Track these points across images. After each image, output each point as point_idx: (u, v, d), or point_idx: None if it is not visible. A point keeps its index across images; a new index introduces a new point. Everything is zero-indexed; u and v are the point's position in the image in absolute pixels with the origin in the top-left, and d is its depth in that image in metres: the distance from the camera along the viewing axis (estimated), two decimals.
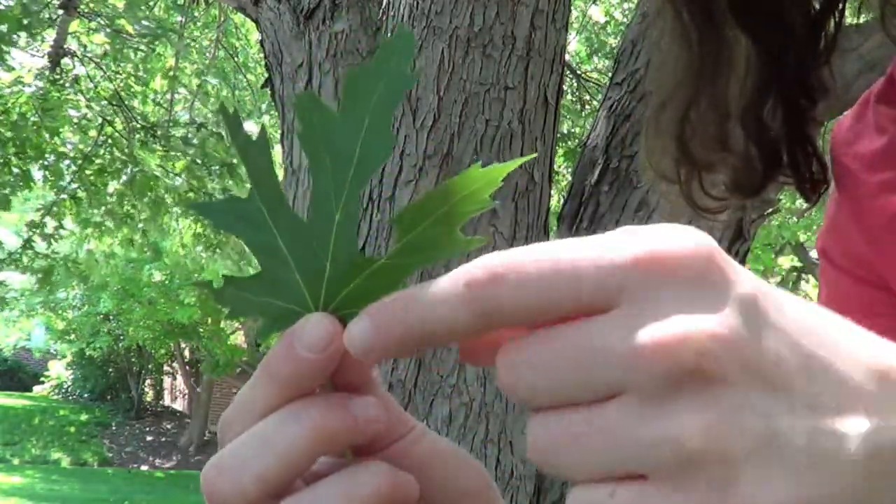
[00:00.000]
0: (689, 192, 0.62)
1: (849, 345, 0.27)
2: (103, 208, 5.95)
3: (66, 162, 5.81)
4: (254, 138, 0.34)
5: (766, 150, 0.58)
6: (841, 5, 0.59)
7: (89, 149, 5.67)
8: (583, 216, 1.91)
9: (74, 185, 5.76)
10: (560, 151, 6.12)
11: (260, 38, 2.14)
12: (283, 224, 0.34)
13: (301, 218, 0.34)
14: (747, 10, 0.57)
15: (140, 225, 6.19)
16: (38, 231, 5.92)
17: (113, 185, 5.83)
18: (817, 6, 0.59)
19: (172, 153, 5.65)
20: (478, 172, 0.32)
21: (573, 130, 6.13)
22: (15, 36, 4.88)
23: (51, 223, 5.94)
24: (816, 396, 0.26)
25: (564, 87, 5.85)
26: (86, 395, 20.98)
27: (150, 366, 20.26)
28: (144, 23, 5.38)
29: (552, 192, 1.96)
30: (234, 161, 5.98)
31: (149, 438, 18.72)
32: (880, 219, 0.55)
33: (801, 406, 0.25)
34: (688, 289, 0.26)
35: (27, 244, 6.02)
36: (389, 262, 0.34)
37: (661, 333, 0.25)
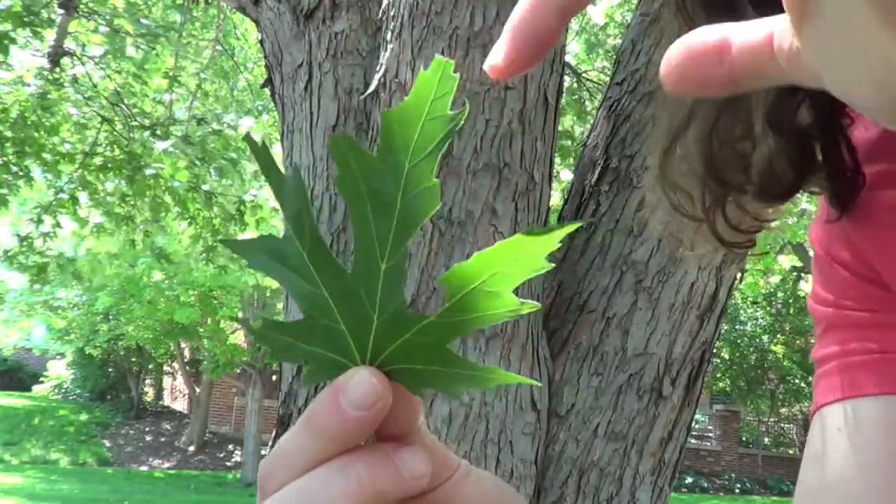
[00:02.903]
0: (714, 226, 0.58)
1: None
2: (101, 209, 5.94)
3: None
4: (287, 176, 0.32)
5: (797, 147, 0.54)
6: None
7: (88, 148, 5.67)
8: (583, 216, 1.91)
9: (72, 185, 5.76)
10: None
11: (260, 37, 2.13)
12: (325, 272, 0.33)
13: (342, 265, 0.33)
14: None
15: (140, 226, 6.18)
16: (36, 228, 5.91)
17: (112, 185, 5.82)
18: None
19: (172, 153, 5.64)
20: (533, 235, 0.30)
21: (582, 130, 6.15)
22: (15, 33, 4.87)
23: (48, 221, 5.93)
24: None
25: (580, 93, 5.86)
26: (86, 395, 20.98)
27: (150, 366, 20.26)
28: (144, 21, 5.37)
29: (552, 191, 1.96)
30: (234, 156, 5.97)
31: (148, 438, 18.71)
32: (877, 211, 0.53)
33: None
34: None
35: (25, 241, 6.00)
36: (439, 321, 0.32)
37: None
